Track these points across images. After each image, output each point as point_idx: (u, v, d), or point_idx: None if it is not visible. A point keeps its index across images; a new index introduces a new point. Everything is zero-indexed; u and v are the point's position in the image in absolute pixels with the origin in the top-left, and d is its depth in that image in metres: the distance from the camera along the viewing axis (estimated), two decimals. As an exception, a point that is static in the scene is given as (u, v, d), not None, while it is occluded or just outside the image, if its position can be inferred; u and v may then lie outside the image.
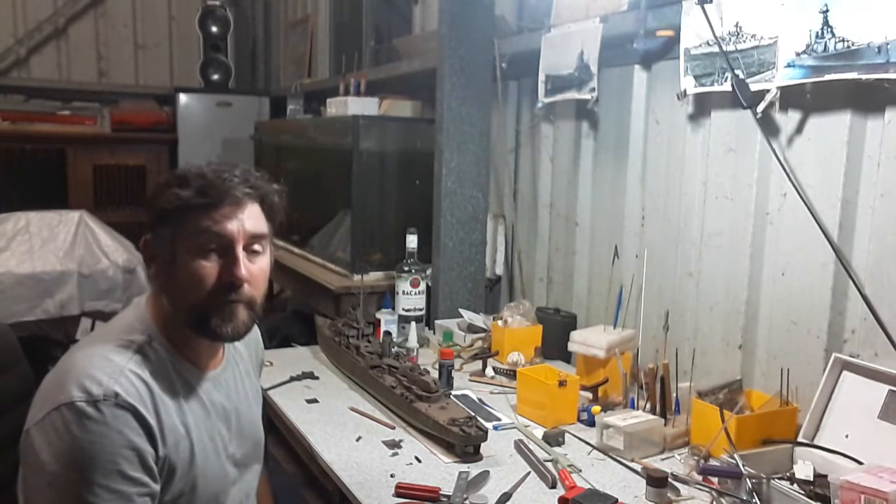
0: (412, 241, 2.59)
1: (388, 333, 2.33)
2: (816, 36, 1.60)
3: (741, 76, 1.76)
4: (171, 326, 1.22)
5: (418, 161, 2.91)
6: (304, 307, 3.62)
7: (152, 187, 1.22)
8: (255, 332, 1.38)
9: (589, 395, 1.96)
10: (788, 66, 1.67)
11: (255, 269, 1.20)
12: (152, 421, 1.11)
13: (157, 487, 1.12)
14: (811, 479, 1.45)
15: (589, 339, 2.06)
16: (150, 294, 1.25)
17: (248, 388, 1.39)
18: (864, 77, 1.52)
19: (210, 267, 1.16)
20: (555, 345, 2.31)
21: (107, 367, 1.11)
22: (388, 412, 1.91)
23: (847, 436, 1.55)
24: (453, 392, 2.01)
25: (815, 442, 1.59)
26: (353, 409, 1.94)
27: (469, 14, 2.64)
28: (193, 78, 5.41)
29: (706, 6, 1.82)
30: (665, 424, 1.76)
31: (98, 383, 1.08)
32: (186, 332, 1.22)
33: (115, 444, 1.06)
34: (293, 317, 3.85)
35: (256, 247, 1.21)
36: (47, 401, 1.09)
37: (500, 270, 2.86)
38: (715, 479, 1.51)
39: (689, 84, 1.94)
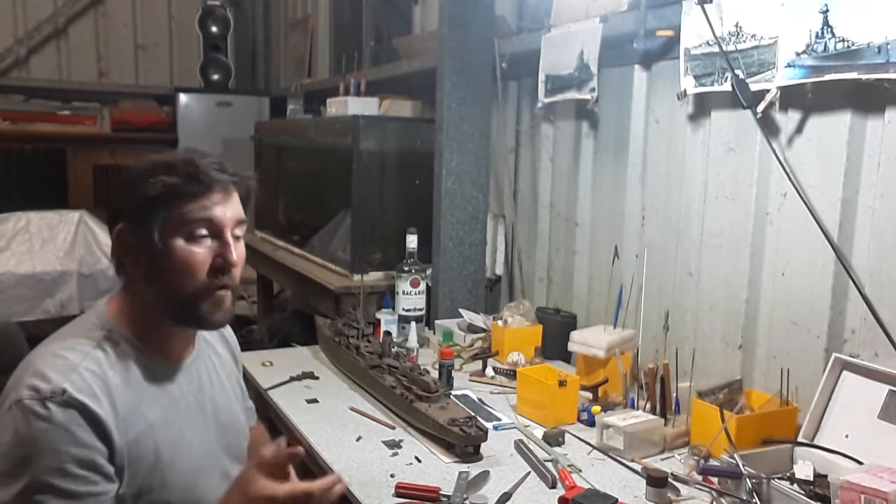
0: (412, 241, 2.59)
1: (388, 333, 2.33)
2: (816, 36, 1.60)
3: (741, 76, 1.76)
4: (138, 320, 1.21)
5: (418, 161, 2.91)
6: (304, 307, 3.63)
7: (129, 176, 1.21)
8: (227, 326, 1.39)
9: (589, 395, 1.96)
10: (788, 66, 1.67)
11: (239, 254, 1.23)
12: (106, 415, 1.10)
13: (109, 487, 1.11)
14: (811, 479, 1.45)
15: (589, 339, 2.06)
16: (113, 295, 1.25)
17: (224, 381, 1.39)
18: (864, 77, 1.52)
19: (202, 253, 1.18)
20: (555, 345, 2.31)
21: (59, 364, 1.11)
22: (388, 412, 1.91)
23: (847, 436, 1.55)
24: (453, 392, 2.00)
25: (815, 442, 1.59)
26: (353, 409, 1.94)
27: (469, 14, 2.64)
28: (193, 78, 5.42)
29: (706, 6, 1.82)
30: (665, 424, 1.76)
31: (48, 381, 1.08)
32: (162, 323, 1.22)
33: (60, 442, 1.05)
34: (293, 317, 3.85)
35: (238, 232, 1.23)
36: (3, 403, 1.10)
37: (500, 270, 2.86)
38: (715, 479, 1.51)
39: (689, 84, 1.94)
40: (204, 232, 1.18)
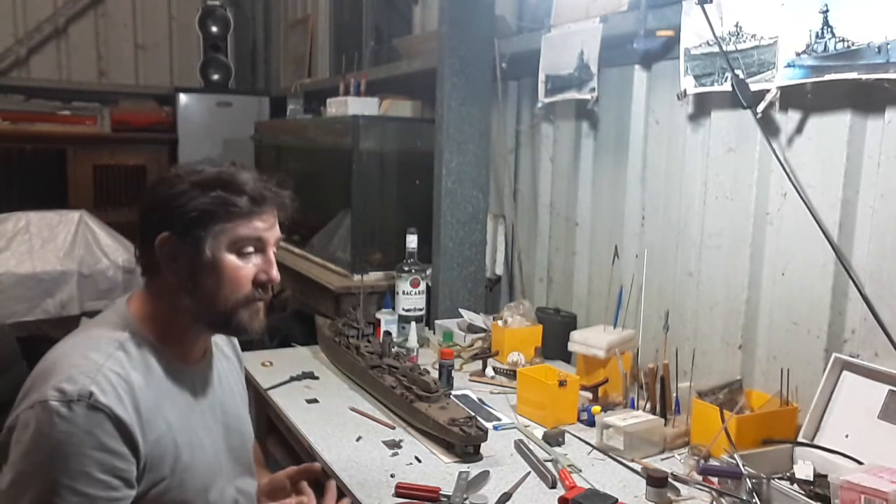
0: (412, 241, 2.59)
1: (388, 333, 2.33)
2: (816, 36, 1.60)
3: (741, 76, 1.76)
4: (163, 324, 1.22)
5: (418, 161, 2.91)
6: (304, 307, 3.62)
7: (179, 185, 1.19)
8: None
9: (589, 395, 1.96)
10: (788, 66, 1.67)
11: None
12: (131, 419, 1.10)
13: (128, 493, 1.10)
14: (811, 479, 1.45)
15: (589, 339, 2.06)
16: (133, 295, 1.26)
17: (233, 384, 1.41)
18: (864, 77, 1.52)
19: (248, 268, 1.21)
20: (555, 345, 2.31)
21: (85, 365, 1.11)
22: (388, 412, 1.91)
23: (847, 436, 1.55)
24: (453, 392, 2.01)
25: (815, 442, 1.59)
26: (353, 409, 1.94)
27: (469, 14, 2.64)
28: (193, 78, 5.41)
29: (706, 6, 1.82)
30: (665, 424, 1.76)
31: (73, 382, 1.07)
32: (189, 328, 1.24)
33: (83, 445, 1.05)
34: (293, 317, 3.84)
35: (275, 249, 1.27)
36: (24, 399, 1.09)
37: (500, 270, 2.86)
38: (715, 479, 1.51)
39: (689, 84, 1.94)
40: (251, 249, 1.22)
